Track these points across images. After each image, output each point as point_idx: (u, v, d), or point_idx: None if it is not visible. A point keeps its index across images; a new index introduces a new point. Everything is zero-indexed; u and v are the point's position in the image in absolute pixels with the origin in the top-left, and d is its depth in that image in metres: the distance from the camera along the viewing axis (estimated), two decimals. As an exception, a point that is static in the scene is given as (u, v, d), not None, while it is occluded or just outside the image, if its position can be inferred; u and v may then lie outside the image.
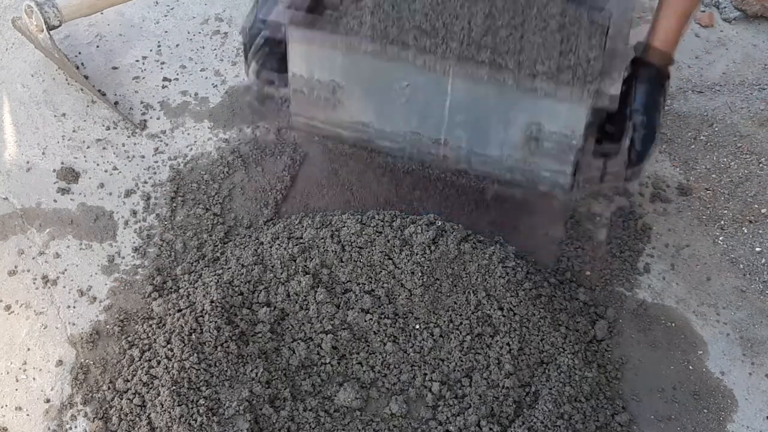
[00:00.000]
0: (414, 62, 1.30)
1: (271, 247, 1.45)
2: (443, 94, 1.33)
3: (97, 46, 2.00)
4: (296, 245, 1.43)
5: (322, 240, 1.41)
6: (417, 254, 1.37)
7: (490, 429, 1.28)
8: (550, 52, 1.31)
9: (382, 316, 1.37)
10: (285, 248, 1.42)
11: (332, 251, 1.40)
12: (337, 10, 1.35)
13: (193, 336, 1.32)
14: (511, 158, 1.36)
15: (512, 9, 1.32)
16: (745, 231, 1.60)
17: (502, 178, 1.40)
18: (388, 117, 1.37)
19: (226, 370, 1.31)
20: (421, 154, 1.43)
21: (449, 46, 1.29)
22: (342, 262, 1.40)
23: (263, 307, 1.39)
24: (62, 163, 1.74)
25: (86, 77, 1.90)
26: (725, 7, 2.08)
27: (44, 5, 1.77)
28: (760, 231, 1.60)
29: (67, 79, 1.90)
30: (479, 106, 1.32)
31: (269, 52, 1.44)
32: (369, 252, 1.39)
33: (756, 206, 1.64)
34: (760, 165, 1.71)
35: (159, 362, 1.32)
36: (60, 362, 1.42)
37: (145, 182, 1.70)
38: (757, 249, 1.57)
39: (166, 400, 1.27)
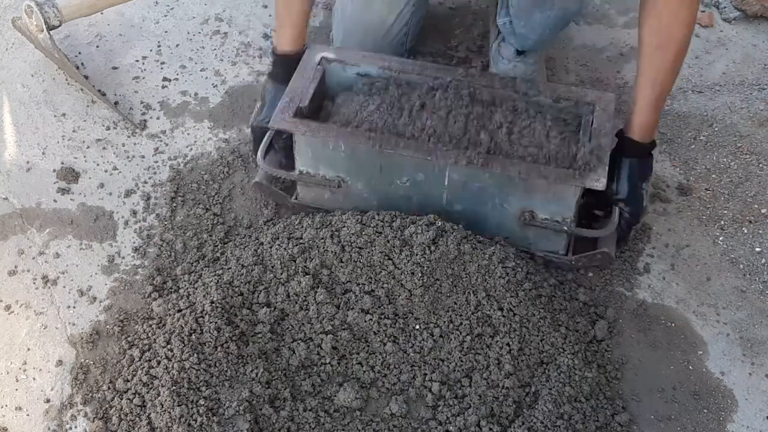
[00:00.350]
0: (411, 163, 1.43)
1: (271, 247, 1.45)
2: (440, 187, 1.45)
3: (97, 46, 2.00)
4: (296, 245, 1.43)
5: (322, 240, 1.41)
6: (417, 255, 1.37)
7: (490, 429, 1.28)
8: (539, 147, 1.44)
9: (382, 317, 1.37)
10: (285, 248, 1.42)
11: (332, 252, 1.40)
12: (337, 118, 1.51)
13: (193, 336, 1.32)
14: (508, 238, 1.48)
15: (503, 113, 1.48)
16: (745, 231, 1.60)
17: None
18: (390, 205, 1.48)
19: (226, 371, 1.31)
20: None
21: (442, 151, 1.42)
22: (342, 262, 1.40)
23: (263, 307, 1.39)
24: (62, 163, 1.74)
25: (86, 77, 1.90)
26: (725, 7, 2.08)
27: (44, 5, 1.77)
28: (760, 231, 1.60)
29: (67, 79, 1.90)
30: (474, 196, 1.44)
31: (276, 146, 1.57)
32: (369, 252, 1.39)
33: (756, 206, 1.64)
34: (760, 165, 1.71)
35: (159, 362, 1.32)
36: (60, 362, 1.42)
37: (145, 182, 1.70)
38: (757, 249, 1.57)
39: (166, 400, 1.27)
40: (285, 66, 1.58)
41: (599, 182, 1.36)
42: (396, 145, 1.43)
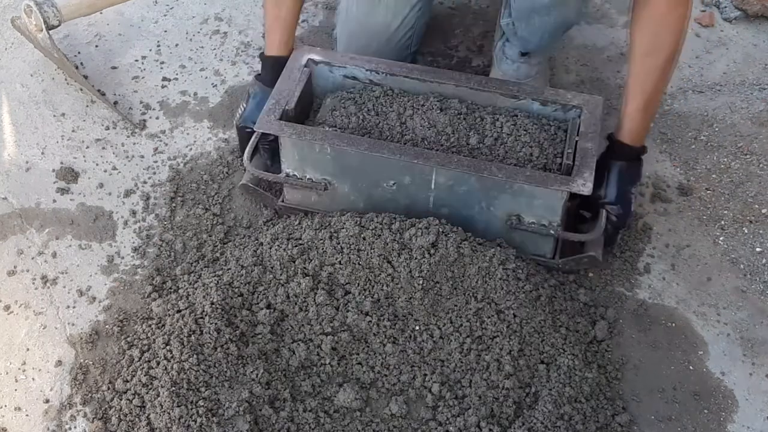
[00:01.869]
0: (397, 166, 1.43)
1: (270, 248, 1.44)
2: (427, 190, 1.45)
3: (97, 46, 2.00)
4: (295, 246, 1.42)
5: (321, 241, 1.41)
6: (416, 257, 1.36)
7: (490, 430, 1.27)
8: (526, 151, 1.45)
9: (382, 318, 1.37)
10: (284, 249, 1.42)
11: (331, 253, 1.40)
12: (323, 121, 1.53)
13: (193, 337, 1.32)
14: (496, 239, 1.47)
15: (490, 117, 1.49)
16: (746, 231, 1.60)
17: None
18: (376, 208, 1.48)
19: (226, 371, 1.31)
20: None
21: (427, 154, 1.42)
22: (341, 264, 1.39)
23: (263, 308, 1.38)
24: (61, 162, 1.73)
25: (85, 77, 1.89)
26: (725, 7, 2.07)
27: (43, 5, 1.77)
28: (761, 231, 1.60)
29: (66, 79, 1.90)
30: (461, 200, 1.44)
31: (262, 148, 1.57)
32: (368, 255, 1.38)
33: (756, 206, 1.64)
34: (761, 165, 1.71)
35: (158, 363, 1.32)
36: (59, 362, 1.41)
37: (145, 182, 1.70)
38: (758, 249, 1.57)
39: (165, 400, 1.27)
40: (273, 69, 1.58)
41: (585, 186, 1.35)
42: (381, 148, 1.42)
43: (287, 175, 1.52)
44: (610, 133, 1.52)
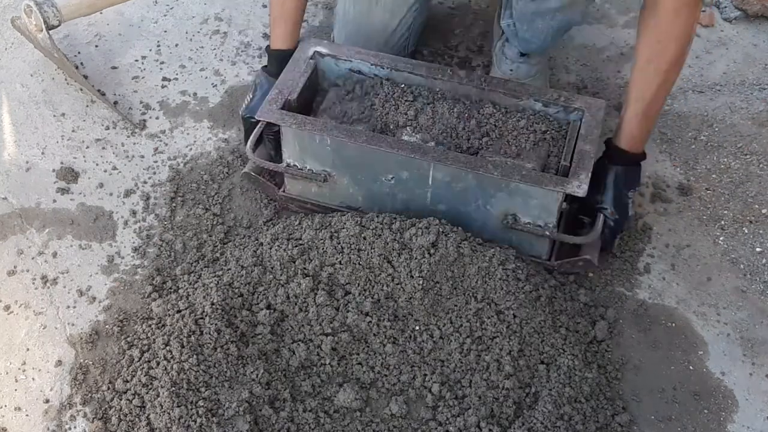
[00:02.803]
0: (395, 160, 1.43)
1: (270, 248, 1.44)
2: (424, 186, 1.45)
3: (96, 46, 2.00)
4: (296, 246, 1.42)
5: (321, 241, 1.41)
6: (416, 257, 1.36)
7: (490, 430, 1.27)
8: (523, 152, 1.45)
9: (382, 319, 1.36)
10: (284, 249, 1.42)
11: (331, 253, 1.40)
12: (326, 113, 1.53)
13: (193, 337, 1.32)
14: (491, 241, 1.47)
15: (490, 116, 1.50)
16: (746, 231, 1.60)
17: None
18: (375, 202, 1.49)
19: (226, 371, 1.31)
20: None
21: (425, 149, 1.42)
22: (341, 264, 1.39)
23: (263, 309, 1.38)
24: (61, 162, 1.73)
25: (85, 77, 1.89)
26: (726, 7, 2.07)
27: (43, 5, 1.77)
28: (761, 231, 1.59)
29: (66, 79, 1.90)
30: (458, 197, 1.44)
31: (267, 138, 1.58)
32: (368, 254, 1.38)
33: (756, 206, 1.63)
34: (761, 165, 1.71)
35: (158, 363, 1.32)
36: (59, 362, 1.41)
37: (145, 182, 1.70)
38: (758, 249, 1.57)
39: (165, 400, 1.27)
40: (279, 61, 1.59)
41: (580, 188, 1.35)
42: (379, 141, 1.42)
43: (288, 165, 1.52)
44: (608, 138, 1.51)
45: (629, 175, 1.48)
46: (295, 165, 1.52)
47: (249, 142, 1.53)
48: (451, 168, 1.40)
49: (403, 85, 1.56)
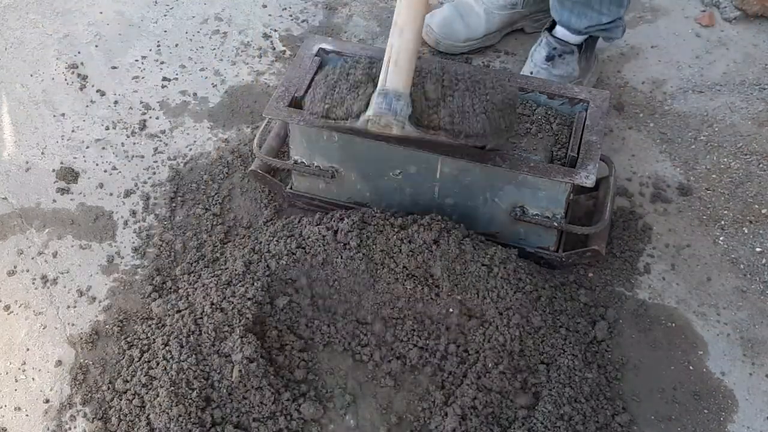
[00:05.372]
0: (403, 155, 1.42)
1: (270, 246, 1.44)
2: (432, 180, 1.45)
3: (96, 46, 2.00)
4: (296, 244, 1.42)
5: (322, 238, 1.41)
6: (418, 253, 1.36)
7: (490, 430, 1.27)
8: (531, 143, 1.45)
9: (382, 318, 1.36)
10: (285, 247, 1.42)
11: (332, 250, 1.40)
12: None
13: (192, 338, 1.32)
14: (499, 232, 1.48)
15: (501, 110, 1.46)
16: (746, 231, 1.60)
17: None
18: (383, 197, 1.50)
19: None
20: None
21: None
22: (342, 260, 1.39)
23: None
24: (61, 162, 1.73)
25: (85, 77, 1.89)
26: (725, 7, 2.07)
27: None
28: (761, 231, 1.59)
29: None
30: (466, 190, 1.44)
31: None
32: (370, 251, 1.38)
33: (756, 206, 1.63)
34: (761, 165, 1.71)
35: (158, 363, 1.32)
36: (59, 362, 1.41)
37: (145, 182, 1.70)
38: (758, 249, 1.57)
39: (164, 400, 1.27)
40: None
41: (588, 179, 1.35)
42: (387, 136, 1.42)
43: (296, 162, 1.53)
44: None
45: None
46: (302, 162, 1.52)
47: (256, 140, 1.54)
48: (458, 161, 1.40)
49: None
